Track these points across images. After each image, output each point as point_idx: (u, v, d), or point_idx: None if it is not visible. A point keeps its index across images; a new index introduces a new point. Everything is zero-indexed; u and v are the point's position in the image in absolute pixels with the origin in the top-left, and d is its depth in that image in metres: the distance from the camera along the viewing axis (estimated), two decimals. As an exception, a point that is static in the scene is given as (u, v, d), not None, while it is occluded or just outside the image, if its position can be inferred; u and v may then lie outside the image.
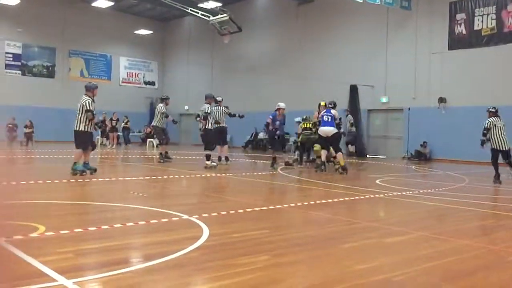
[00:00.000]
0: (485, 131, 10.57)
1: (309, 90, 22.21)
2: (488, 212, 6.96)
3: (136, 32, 30.34)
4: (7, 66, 26.33)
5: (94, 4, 26.03)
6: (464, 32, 17.67)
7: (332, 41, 22.08)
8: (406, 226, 5.39)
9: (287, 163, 13.00)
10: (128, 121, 24.13)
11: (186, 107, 30.26)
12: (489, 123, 10.50)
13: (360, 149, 19.80)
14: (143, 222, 5.17)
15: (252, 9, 26.07)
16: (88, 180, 9.00)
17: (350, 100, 20.28)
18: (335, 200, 7.34)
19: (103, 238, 4.39)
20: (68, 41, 28.04)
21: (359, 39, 20.85)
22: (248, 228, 5.02)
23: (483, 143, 10.68)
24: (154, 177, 10.04)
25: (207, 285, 3.24)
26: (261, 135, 24.15)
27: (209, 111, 12.24)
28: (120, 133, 23.27)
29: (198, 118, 12.69)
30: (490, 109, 10.69)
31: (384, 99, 20.10)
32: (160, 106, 14.13)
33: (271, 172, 11.74)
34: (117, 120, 22.87)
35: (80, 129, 9.60)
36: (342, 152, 11.99)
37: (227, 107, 14.09)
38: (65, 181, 8.67)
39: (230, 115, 13.71)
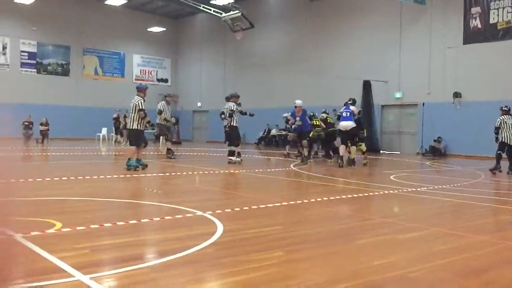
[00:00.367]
0: (496, 130, 11.27)
1: (322, 86, 22.13)
2: (504, 208, 6.87)
3: (149, 29, 30.48)
4: (23, 64, 26.66)
5: (107, 2, 26.22)
6: (479, 26, 17.43)
7: (345, 37, 21.94)
8: (421, 222, 5.36)
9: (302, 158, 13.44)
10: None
11: (199, 104, 30.38)
12: (499, 122, 11.12)
13: (373, 145, 19.66)
14: (158, 219, 5.21)
15: (264, 5, 26.00)
16: (103, 177, 9.09)
17: (364, 96, 20.13)
18: (349, 196, 7.31)
19: (119, 234, 4.43)
20: (82, 39, 28.30)
21: (372, 34, 20.69)
22: (262, 224, 5.03)
23: (497, 140, 11.34)
24: (167, 174, 10.09)
25: (221, 280, 3.26)
26: (274, 132, 24.15)
27: (234, 109, 12.73)
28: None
29: (222, 116, 13.07)
30: (503, 108, 11.27)
31: (398, 95, 19.94)
32: (160, 104, 14.38)
33: (304, 166, 12.46)
34: (131, 117, 22.97)
35: (134, 127, 10.23)
36: (356, 147, 12.61)
37: (239, 105, 14.17)
38: (81, 178, 8.76)
39: (241, 113, 13.82)
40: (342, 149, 12.40)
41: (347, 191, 8.08)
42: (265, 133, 25.02)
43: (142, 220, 5.04)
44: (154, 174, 10.00)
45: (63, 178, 8.52)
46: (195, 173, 10.50)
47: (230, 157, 12.64)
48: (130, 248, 3.94)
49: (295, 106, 13.29)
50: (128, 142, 22.06)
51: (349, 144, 12.30)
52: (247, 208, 5.91)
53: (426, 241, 4.54)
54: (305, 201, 6.73)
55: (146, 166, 10.48)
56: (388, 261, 3.73)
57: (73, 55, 28.30)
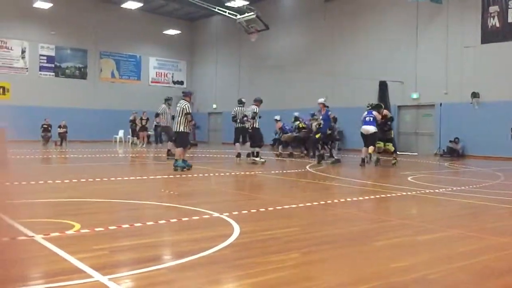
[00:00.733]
0: None
1: (338, 87, 22.03)
2: (525, 210, 6.75)
3: (165, 32, 30.68)
4: (41, 68, 27.06)
5: (123, 5, 26.48)
6: (497, 25, 17.18)
7: (360, 37, 21.80)
8: (440, 224, 5.29)
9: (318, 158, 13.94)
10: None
11: (214, 106, 30.48)
12: None
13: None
14: (175, 220, 5.23)
15: (279, 7, 25.98)
16: (120, 179, 9.17)
17: (380, 97, 19.96)
18: (366, 197, 7.25)
19: (137, 235, 4.46)
20: (99, 42, 28.63)
21: (388, 34, 20.53)
22: (278, 226, 5.02)
23: None
24: (184, 176, 10.14)
25: (239, 282, 3.26)
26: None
27: (257, 111, 13.40)
28: (150, 132, 23.53)
29: (245, 118, 13.55)
30: None
31: (415, 95, 19.75)
32: (160, 108, 15.03)
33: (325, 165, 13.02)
34: (147, 119, 23.19)
35: (180, 130, 10.87)
36: (374, 147, 13.21)
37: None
38: (98, 179, 8.85)
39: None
40: (364, 151, 13.10)
41: (364, 192, 8.02)
42: (280, 135, 24.93)
43: (159, 222, 5.06)
44: (171, 176, 10.05)
45: (81, 180, 8.61)
46: (210, 174, 10.54)
47: (254, 158, 13.18)
48: (148, 249, 3.96)
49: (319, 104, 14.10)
50: (143, 144, 22.54)
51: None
52: (263, 209, 5.91)
53: (445, 243, 4.48)
54: (322, 202, 6.69)
55: (191, 166, 11.06)
56: (407, 263, 3.69)
57: (90, 59, 28.64)
